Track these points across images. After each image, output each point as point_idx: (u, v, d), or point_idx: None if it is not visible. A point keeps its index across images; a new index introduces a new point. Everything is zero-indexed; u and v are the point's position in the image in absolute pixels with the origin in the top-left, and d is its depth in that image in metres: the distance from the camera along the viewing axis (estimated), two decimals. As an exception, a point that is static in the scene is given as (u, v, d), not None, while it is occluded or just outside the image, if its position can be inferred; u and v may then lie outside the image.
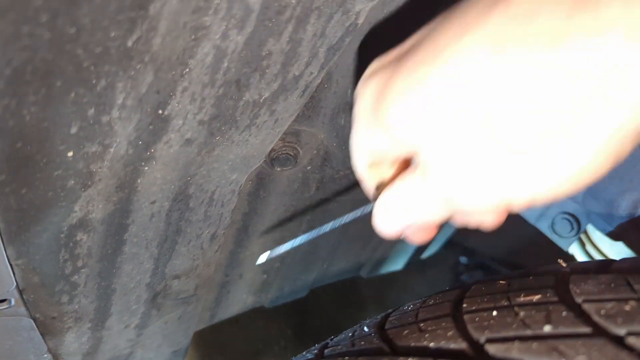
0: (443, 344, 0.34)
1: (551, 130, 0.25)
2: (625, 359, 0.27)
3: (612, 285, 0.34)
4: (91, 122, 0.38)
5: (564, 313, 0.32)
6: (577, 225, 0.90)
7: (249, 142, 0.51)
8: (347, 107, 0.56)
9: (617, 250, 0.88)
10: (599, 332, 0.30)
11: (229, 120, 0.46)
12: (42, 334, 0.57)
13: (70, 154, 0.40)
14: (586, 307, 0.32)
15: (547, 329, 0.31)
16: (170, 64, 0.38)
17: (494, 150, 0.27)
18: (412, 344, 0.36)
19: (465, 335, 0.34)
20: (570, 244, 0.92)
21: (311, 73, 0.46)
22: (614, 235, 0.74)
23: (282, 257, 0.88)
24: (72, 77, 0.34)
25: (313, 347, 0.48)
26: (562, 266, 0.41)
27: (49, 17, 0.30)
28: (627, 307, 0.31)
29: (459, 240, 1.46)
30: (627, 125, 0.24)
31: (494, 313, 0.35)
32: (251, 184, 0.68)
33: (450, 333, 0.35)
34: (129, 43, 0.34)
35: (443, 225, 0.41)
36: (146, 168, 0.46)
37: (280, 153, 0.62)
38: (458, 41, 0.26)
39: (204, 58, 0.38)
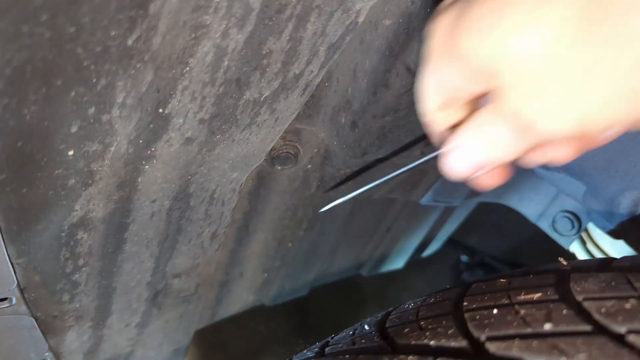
0: (443, 342, 0.34)
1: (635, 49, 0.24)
2: (625, 357, 0.27)
3: (613, 283, 0.34)
4: (91, 121, 0.38)
5: (565, 311, 0.32)
6: (577, 224, 0.90)
7: (250, 141, 0.51)
8: (348, 105, 0.56)
9: (617, 249, 0.88)
10: (600, 330, 0.30)
11: (229, 118, 0.46)
12: (43, 333, 0.57)
13: (70, 152, 0.40)
14: (587, 305, 0.32)
15: (548, 327, 0.31)
16: (171, 63, 0.38)
17: (577, 68, 0.26)
18: (413, 342, 0.36)
19: (465, 333, 0.34)
20: (571, 242, 0.92)
21: (312, 71, 0.46)
22: (615, 234, 0.74)
23: (283, 256, 0.88)
24: (72, 76, 0.34)
25: (314, 346, 0.48)
26: (562, 264, 0.41)
27: (49, 16, 0.30)
28: (628, 305, 0.31)
29: (459, 239, 1.46)
30: None
31: (495, 311, 0.35)
32: (252, 182, 0.68)
33: (450, 331, 0.35)
34: (129, 42, 0.34)
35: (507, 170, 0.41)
36: (147, 167, 0.47)
37: (280, 152, 0.62)
38: None
39: (204, 57, 0.38)
